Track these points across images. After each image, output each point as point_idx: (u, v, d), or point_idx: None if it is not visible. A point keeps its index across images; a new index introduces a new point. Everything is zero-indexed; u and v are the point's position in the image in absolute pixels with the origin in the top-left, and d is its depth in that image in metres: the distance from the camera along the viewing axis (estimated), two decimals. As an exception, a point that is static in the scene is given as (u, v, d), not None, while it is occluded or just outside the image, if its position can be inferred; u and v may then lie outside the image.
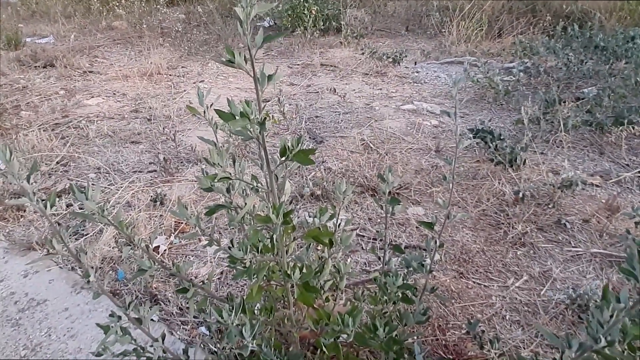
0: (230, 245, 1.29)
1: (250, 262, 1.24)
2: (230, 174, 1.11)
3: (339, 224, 1.49)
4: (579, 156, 2.96)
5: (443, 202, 1.43)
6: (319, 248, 1.51)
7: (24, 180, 0.93)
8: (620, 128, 2.98)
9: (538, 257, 2.13)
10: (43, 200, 1.04)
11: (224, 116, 1.05)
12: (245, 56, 1.02)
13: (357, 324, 1.19)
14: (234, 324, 1.12)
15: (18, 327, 1.77)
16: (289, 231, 1.28)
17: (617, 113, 3.08)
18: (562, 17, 5.43)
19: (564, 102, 3.41)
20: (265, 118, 1.00)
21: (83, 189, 1.07)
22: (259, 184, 1.24)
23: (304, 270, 1.30)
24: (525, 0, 5.88)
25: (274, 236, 1.23)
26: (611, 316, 0.73)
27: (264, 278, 1.34)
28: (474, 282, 2.00)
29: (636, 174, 2.71)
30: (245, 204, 1.24)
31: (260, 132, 1.04)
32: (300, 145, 1.12)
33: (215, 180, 1.07)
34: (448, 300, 1.87)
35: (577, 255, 2.13)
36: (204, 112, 1.39)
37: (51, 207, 1.04)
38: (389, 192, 1.43)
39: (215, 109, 1.10)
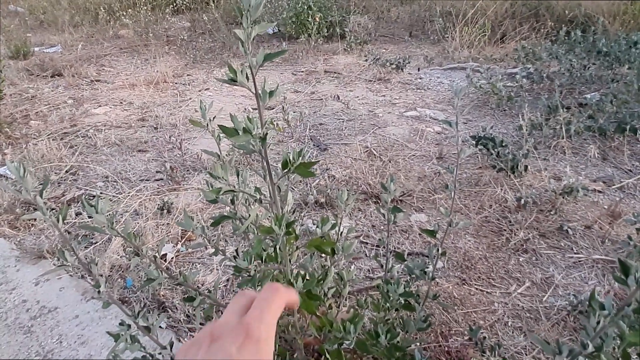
0: (236, 255, 1.33)
1: (255, 271, 1.28)
2: (234, 187, 1.15)
3: (342, 232, 1.52)
4: (581, 162, 2.97)
5: (445, 210, 1.46)
6: (322, 256, 1.55)
7: (37, 195, 0.97)
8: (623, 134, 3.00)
9: (540, 264, 2.15)
10: (53, 209, 1.08)
11: (227, 131, 1.09)
12: (247, 73, 1.06)
13: (359, 330, 1.22)
14: (239, 332, 1.15)
15: (30, 334, 1.81)
16: (292, 241, 1.32)
17: (619, 119, 3.09)
18: (565, 22, 5.45)
19: (567, 108, 3.42)
20: (266, 133, 1.04)
21: (92, 198, 1.11)
22: (262, 195, 1.28)
23: (307, 279, 1.34)
24: (529, 2, 5.90)
25: (278, 246, 1.27)
26: (598, 322, 0.76)
27: (268, 286, 1.37)
28: (476, 289, 2.02)
29: (639, 179, 2.72)
30: (249, 215, 1.28)
31: (262, 147, 1.08)
32: (301, 157, 1.16)
33: (220, 194, 1.11)
34: (450, 307, 1.90)
35: (579, 261, 2.15)
36: (207, 124, 1.43)
37: (63, 220, 1.08)
38: (392, 200, 1.46)
39: (218, 125, 1.14)
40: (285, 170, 1.13)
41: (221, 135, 1.41)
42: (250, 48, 1.00)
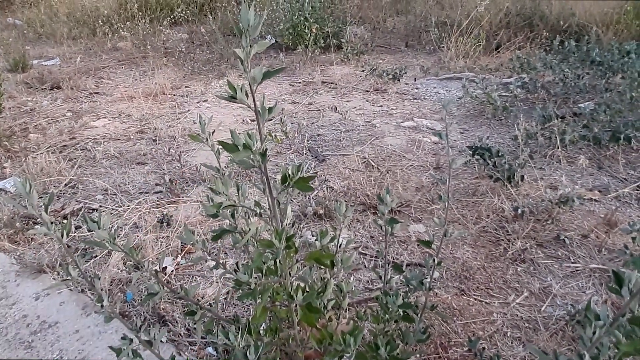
0: (236, 269, 1.35)
1: (255, 284, 1.29)
2: (234, 201, 1.17)
3: (340, 244, 1.54)
4: (577, 171, 3.00)
5: (439, 221, 1.48)
6: (321, 268, 1.56)
7: (43, 212, 0.99)
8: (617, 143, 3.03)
9: (538, 273, 2.16)
10: (53, 223, 1.09)
11: (228, 147, 1.10)
12: (246, 91, 1.08)
13: (358, 343, 1.23)
14: (240, 346, 1.16)
15: (31, 349, 1.81)
16: (292, 254, 1.33)
17: (613, 128, 3.13)
18: (560, 31, 5.52)
19: (562, 117, 3.46)
20: (266, 149, 1.06)
21: (92, 211, 1.13)
22: (262, 209, 1.30)
23: (307, 291, 1.35)
24: (523, 12, 5.98)
25: (277, 259, 1.29)
26: (594, 333, 0.78)
27: (269, 299, 1.38)
28: (475, 299, 2.03)
29: (634, 188, 2.75)
30: (249, 228, 1.30)
31: (262, 163, 1.09)
32: (300, 172, 1.18)
33: (220, 209, 1.13)
34: (449, 318, 1.91)
35: (577, 270, 2.17)
36: (207, 139, 1.45)
37: (67, 236, 1.10)
38: (389, 211, 1.48)
39: (218, 141, 1.16)
40: (284, 185, 1.15)
41: (220, 149, 1.43)
42: (249, 66, 1.02)
